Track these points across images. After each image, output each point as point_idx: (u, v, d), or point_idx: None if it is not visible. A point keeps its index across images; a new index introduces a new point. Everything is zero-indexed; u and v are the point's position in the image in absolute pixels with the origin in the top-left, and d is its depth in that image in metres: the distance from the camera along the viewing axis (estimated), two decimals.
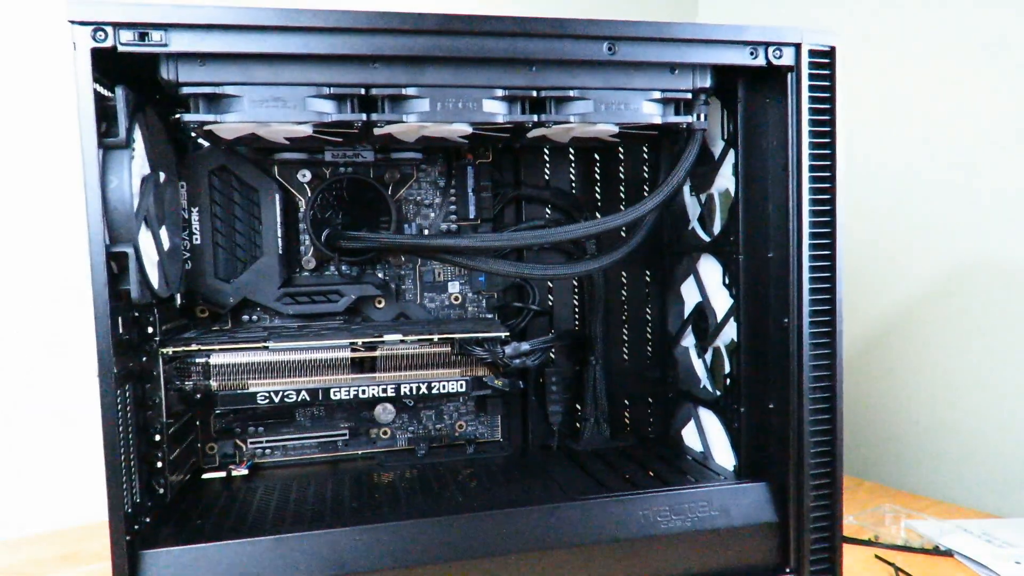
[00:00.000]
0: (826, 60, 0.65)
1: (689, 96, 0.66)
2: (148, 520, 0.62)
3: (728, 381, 0.74)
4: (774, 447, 0.69)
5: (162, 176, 0.67)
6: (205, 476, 0.76)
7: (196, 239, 0.72)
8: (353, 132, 0.65)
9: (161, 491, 0.65)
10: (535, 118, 0.63)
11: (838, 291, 0.66)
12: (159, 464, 0.64)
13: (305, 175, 0.77)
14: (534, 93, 0.62)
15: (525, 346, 0.69)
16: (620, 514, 0.65)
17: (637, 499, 0.66)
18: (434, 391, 0.69)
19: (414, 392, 0.69)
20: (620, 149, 0.85)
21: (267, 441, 0.79)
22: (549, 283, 0.86)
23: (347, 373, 0.68)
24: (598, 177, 0.86)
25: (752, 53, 0.64)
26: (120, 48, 0.53)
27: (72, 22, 0.52)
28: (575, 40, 0.61)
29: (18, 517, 0.85)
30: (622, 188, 0.86)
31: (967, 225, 0.93)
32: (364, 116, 0.60)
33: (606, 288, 0.86)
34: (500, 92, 0.61)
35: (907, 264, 1.00)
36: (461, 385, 0.70)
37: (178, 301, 0.72)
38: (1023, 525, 0.77)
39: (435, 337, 0.69)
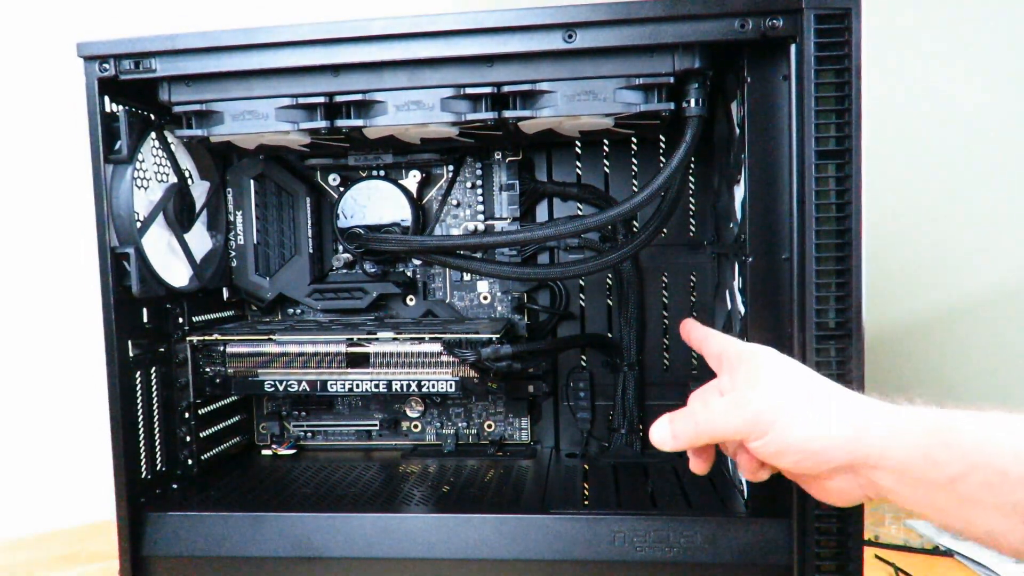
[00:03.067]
0: (839, 26, 0.54)
1: (671, 80, 0.59)
2: (175, 487, 0.71)
3: None
4: (785, 479, 0.60)
5: (203, 184, 0.76)
6: (263, 453, 0.85)
7: (240, 239, 0.81)
8: (351, 137, 0.68)
9: (190, 462, 0.73)
10: (496, 115, 0.61)
11: (855, 303, 0.55)
12: (187, 438, 0.73)
13: (335, 179, 0.82)
14: (494, 89, 0.60)
15: (506, 349, 0.67)
16: (587, 533, 0.61)
17: (609, 520, 0.61)
18: (423, 389, 0.70)
19: (404, 389, 0.70)
20: (633, 141, 0.80)
21: (308, 426, 0.85)
22: (580, 283, 0.82)
23: (345, 367, 0.71)
24: (635, 171, 0.81)
25: (741, 24, 0.56)
26: (121, 76, 0.61)
27: (82, 57, 0.61)
28: (529, 32, 0.58)
29: (18, 517, 0.86)
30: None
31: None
32: (328, 123, 0.62)
33: (643, 291, 0.80)
34: (460, 91, 0.60)
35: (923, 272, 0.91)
36: (450, 385, 0.70)
37: (225, 295, 0.81)
38: None
39: (425, 336, 0.70)
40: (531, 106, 0.61)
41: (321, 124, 0.62)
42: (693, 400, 0.52)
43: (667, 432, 0.49)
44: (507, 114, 0.61)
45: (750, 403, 0.46)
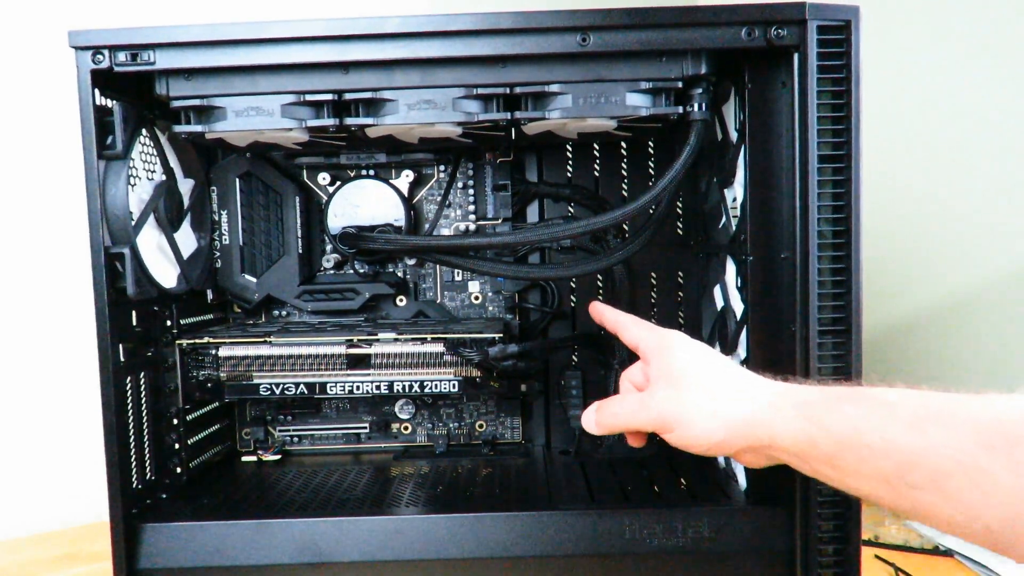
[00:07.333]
0: (839, 37, 0.57)
1: (679, 85, 0.61)
2: (164, 496, 0.69)
3: None
4: (785, 469, 0.62)
5: (187, 183, 0.74)
6: (244, 459, 0.82)
7: (225, 239, 0.78)
8: (353, 135, 0.67)
9: (179, 470, 0.71)
10: (508, 115, 0.61)
11: (854, 301, 0.58)
12: (176, 446, 0.70)
13: (325, 178, 0.80)
14: (507, 90, 0.61)
15: (512, 348, 0.68)
16: (598, 527, 0.62)
17: (618, 513, 0.63)
18: (426, 390, 0.70)
19: (406, 390, 0.70)
20: (623, 144, 0.82)
21: (294, 430, 0.83)
22: (572, 283, 0.84)
23: (345, 369, 0.70)
24: (624, 173, 0.82)
25: (748, 33, 0.58)
26: (116, 69, 0.59)
27: (74, 47, 0.58)
28: (544, 33, 0.58)
29: (19, 517, 0.85)
30: (650, 184, 0.82)
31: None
32: (337, 120, 0.61)
33: (633, 291, 0.82)
34: (472, 91, 0.60)
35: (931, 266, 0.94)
36: (453, 385, 0.70)
37: (209, 296, 0.79)
38: None
39: (428, 336, 0.70)
40: (542, 107, 0.61)
41: (329, 122, 0.61)
42: (623, 380, 0.59)
43: (592, 419, 0.57)
44: (518, 115, 0.61)
45: (654, 405, 0.52)
